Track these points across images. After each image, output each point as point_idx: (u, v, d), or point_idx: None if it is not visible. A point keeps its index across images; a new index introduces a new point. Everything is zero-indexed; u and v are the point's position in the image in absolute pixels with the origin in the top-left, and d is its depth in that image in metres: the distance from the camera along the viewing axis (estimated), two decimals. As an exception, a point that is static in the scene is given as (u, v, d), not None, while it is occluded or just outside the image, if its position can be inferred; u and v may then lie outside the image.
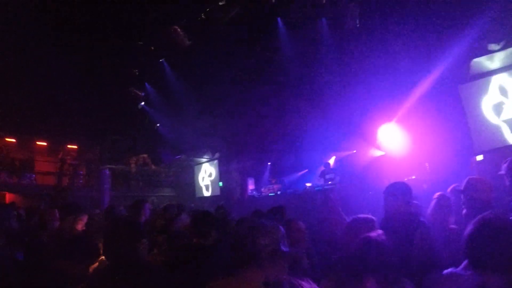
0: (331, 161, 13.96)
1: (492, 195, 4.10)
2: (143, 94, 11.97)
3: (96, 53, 9.90)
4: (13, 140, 15.21)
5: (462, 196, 4.12)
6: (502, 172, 4.56)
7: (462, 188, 4.22)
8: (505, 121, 9.27)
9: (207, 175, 18.75)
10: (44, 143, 15.99)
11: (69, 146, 16.10)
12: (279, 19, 9.69)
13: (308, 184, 13.49)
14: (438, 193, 4.30)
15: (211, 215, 4.26)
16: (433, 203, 4.24)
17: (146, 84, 11.95)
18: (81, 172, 16.14)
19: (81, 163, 16.05)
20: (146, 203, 6.43)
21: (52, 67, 10.66)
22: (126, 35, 9.21)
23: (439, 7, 8.52)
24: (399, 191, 3.68)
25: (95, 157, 15.96)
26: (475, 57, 8.90)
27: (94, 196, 14.47)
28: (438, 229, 3.89)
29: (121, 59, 10.25)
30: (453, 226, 3.96)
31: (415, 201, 3.92)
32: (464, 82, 9.80)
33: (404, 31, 9.70)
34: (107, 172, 15.12)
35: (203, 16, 8.62)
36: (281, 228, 2.36)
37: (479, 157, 9.62)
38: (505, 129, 9.26)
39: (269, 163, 16.02)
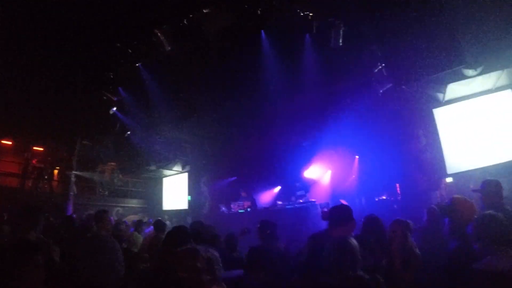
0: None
1: (475, 214, 4.21)
2: (116, 99, 11.51)
3: (71, 53, 9.47)
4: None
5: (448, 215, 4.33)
6: (477, 188, 4.75)
7: (446, 208, 4.43)
8: (473, 146, 9.52)
9: (175, 188, 18.36)
10: (9, 142, 15.13)
11: (35, 147, 15.30)
12: (262, 31, 9.64)
13: (279, 202, 13.39)
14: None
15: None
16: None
17: (120, 88, 11.49)
18: (46, 176, 15.36)
19: (46, 166, 15.29)
20: (107, 214, 6.15)
21: (22, 64, 10.19)
22: (103, 35, 8.87)
23: (418, 32, 8.67)
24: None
25: (61, 162, 15.25)
26: (451, 82, 9.07)
27: (58, 202, 13.77)
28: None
29: (96, 60, 9.85)
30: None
31: None
32: (440, 105, 10.00)
33: (383, 54, 9.86)
34: (73, 178, 14.48)
35: (185, 22, 8.45)
36: (207, 255, 2.35)
37: (449, 179, 9.82)
38: (472, 153, 9.49)
39: (235, 178, 15.77)
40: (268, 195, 14.64)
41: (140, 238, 8.16)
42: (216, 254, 2.36)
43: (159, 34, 8.70)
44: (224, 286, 2.30)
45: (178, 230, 3.90)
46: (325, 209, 4.75)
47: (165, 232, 7.46)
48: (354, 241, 2.97)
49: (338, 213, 3.91)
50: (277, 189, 14.64)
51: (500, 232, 2.85)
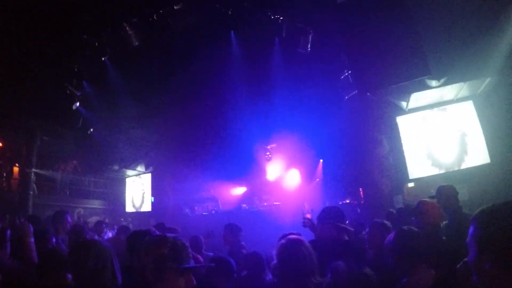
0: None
1: (441, 218, 4.34)
2: (79, 93, 11.11)
3: (33, 43, 9.05)
4: None
5: (414, 219, 4.40)
6: (434, 195, 4.89)
7: (414, 211, 4.52)
8: (435, 153, 9.87)
9: (138, 189, 18.01)
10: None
11: (-6, 142, 14.50)
12: (232, 32, 9.63)
13: (243, 205, 13.37)
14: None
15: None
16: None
17: (84, 82, 11.09)
18: (4, 174, 14.58)
19: (4, 163, 14.54)
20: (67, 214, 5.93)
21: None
22: (69, 26, 8.54)
23: (385, 42, 8.88)
24: (332, 216, 3.77)
25: (20, 158, 14.52)
26: (415, 91, 9.35)
27: (16, 201, 13.12)
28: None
29: (61, 52, 9.47)
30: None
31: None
32: (403, 113, 10.29)
33: (350, 61, 10.04)
34: (33, 176, 13.82)
35: (155, 18, 8.32)
36: (174, 242, 2.12)
37: (411, 184, 10.12)
38: (434, 160, 9.84)
39: (199, 179, 15.58)
40: (233, 198, 14.56)
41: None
42: (185, 242, 2.20)
43: (127, 28, 8.52)
44: (192, 280, 2.15)
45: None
46: (308, 216, 4.65)
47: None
48: (307, 244, 2.86)
49: (332, 214, 3.81)
50: (242, 190, 14.56)
51: (416, 249, 2.80)
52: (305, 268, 2.67)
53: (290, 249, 2.78)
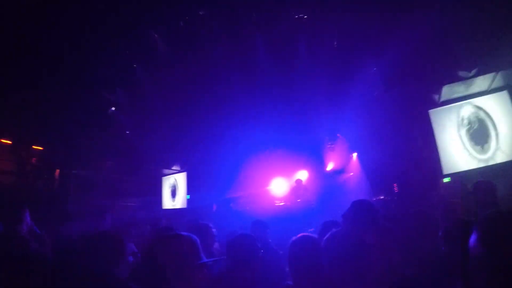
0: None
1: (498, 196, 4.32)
2: (114, 98, 11.56)
3: (68, 52, 9.44)
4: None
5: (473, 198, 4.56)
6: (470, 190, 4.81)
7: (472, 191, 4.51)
8: (470, 146, 9.57)
9: (174, 187, 18.41)
10: (9, 142, 15.08)
11: (34, 146, 15.25)
12: (258, 34, 9.66)
13: (277, 202, 13.43)
14: None
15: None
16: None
17: (118, 88, 11.53)
18: (45, 176, 15.32)
19: (45, 165, 15.26)
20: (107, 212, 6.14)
21: (21, 66, 10.20)
22: (102, 36, 8.87)
23: (413, 33, 8.71)
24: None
25: (60, 160, 15.22)
26: (447, 83, 9.12)
27: (56, 201, 13.75)
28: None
29: (94, 59, 9.84)
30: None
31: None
32: (435, 106, 10.04)
33: (379, 54, 9.90)
34: (72, 176, 14.49)
35: (181, 24, 8.51)
36: (191, 239, 2.19)
37: (446, 179, 9.86)
38: (469, 154, 9.54)
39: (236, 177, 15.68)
40: (267, 195, 14.63)
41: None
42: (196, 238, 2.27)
43: (156, 35, 8.76)
44: (207, 273, 2.23)
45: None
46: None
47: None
48: (316, 242, 2.85)
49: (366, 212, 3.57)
50: (276, 188, 14.58)
51: None
52: (311, 264, 2.71)
53: (298, 245, 2.88)
